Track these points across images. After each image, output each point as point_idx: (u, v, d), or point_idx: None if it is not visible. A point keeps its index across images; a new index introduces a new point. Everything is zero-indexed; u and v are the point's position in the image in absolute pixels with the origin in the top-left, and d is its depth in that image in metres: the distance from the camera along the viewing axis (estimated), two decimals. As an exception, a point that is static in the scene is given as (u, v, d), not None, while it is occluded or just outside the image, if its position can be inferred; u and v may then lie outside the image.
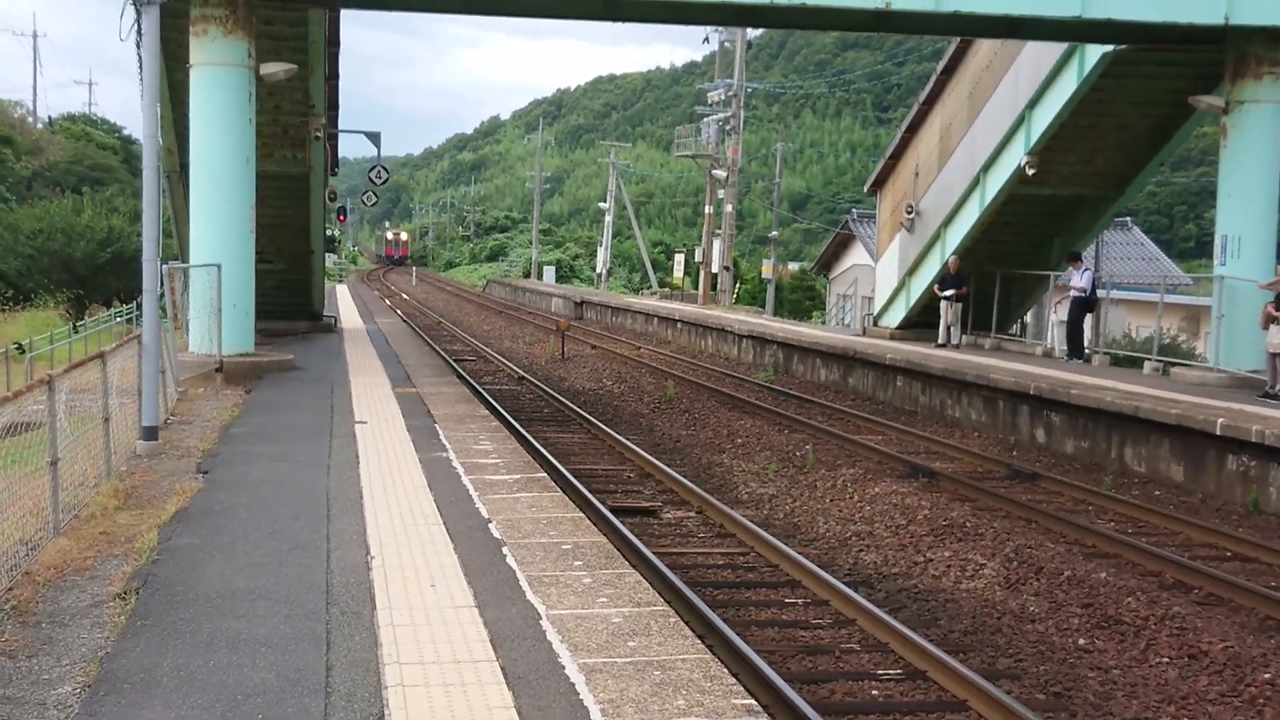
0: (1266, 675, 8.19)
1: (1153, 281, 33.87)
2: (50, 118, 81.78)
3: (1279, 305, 17.16)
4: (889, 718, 7.44)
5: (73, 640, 6.21)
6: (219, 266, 17.46)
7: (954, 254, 24.72)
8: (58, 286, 41.69)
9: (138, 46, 15.46)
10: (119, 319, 30.65)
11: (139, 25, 13.14)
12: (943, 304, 25.04)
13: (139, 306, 13.78)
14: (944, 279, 25.15)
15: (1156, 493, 14.83)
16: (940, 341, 24.86)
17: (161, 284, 13.05)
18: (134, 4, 12.56)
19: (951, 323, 25.01)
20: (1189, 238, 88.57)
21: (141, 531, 8.35)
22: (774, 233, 56.98)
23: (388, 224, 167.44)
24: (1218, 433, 14.32)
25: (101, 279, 41.58)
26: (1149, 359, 21.37)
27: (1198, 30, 19.17)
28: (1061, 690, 8.06)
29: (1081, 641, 9.08)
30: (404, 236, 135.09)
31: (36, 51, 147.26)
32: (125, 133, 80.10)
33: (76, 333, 29.65)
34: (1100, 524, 12.77)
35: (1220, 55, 19.89)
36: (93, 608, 6.77)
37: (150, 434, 11.84)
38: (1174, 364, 21.06)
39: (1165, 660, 8.64)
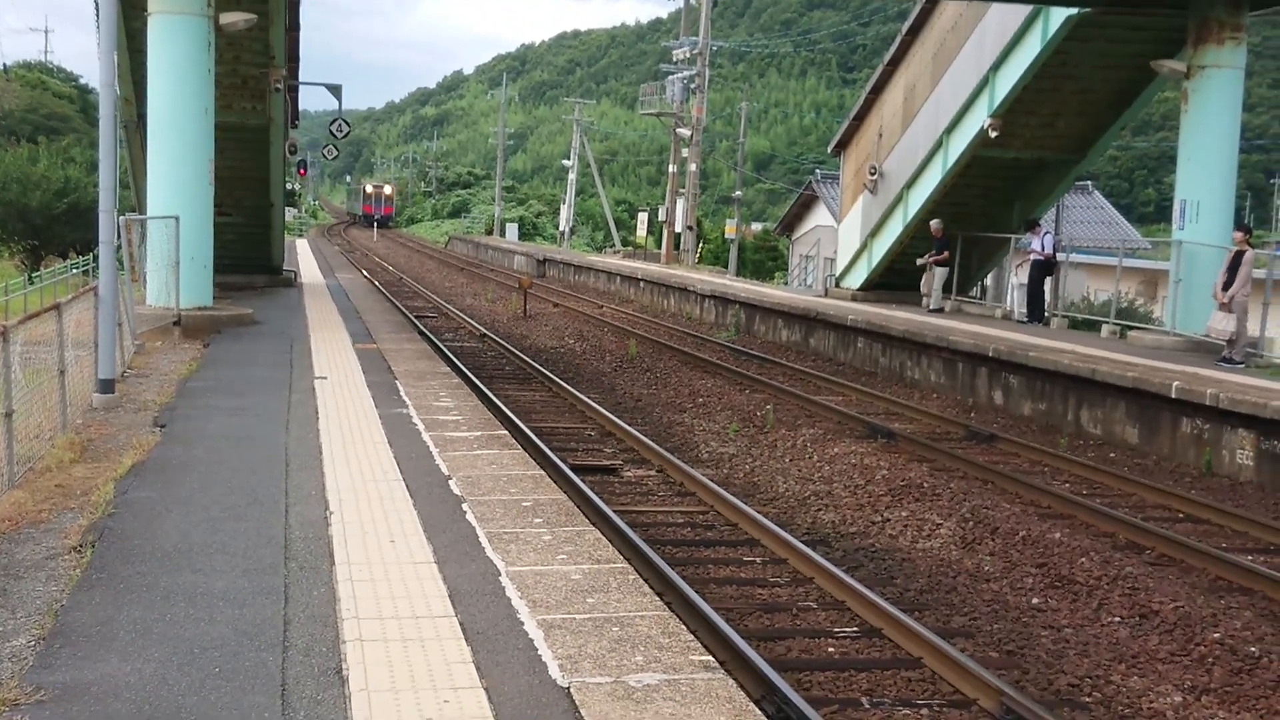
0: (1216, 635, 8.32)
1: (1112, 245, 34.13)
2: (5, 65, 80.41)
3: (1225, 287, 17.29)
4: (845, 674, 7.52)
5: (27, 593, 6.17)
6: (177, 219, 17.26)
7: (936, 219, 24.58)
8: (12, 237, 41.11)
9: (94, -7, 15.20)
10: (75, 270, 30.26)
11: (95, -29, 12.92)
12: (935, 269, 24.84)
13: (95, 258, 13.61)
14: (932, 244, 24.90)
15: (1111, 455, 14.99)
16: (935, 306, 24.65)
17: (118, 236, 12.89)
18: (90, -50, 12.34)
19: (935, 287, 24.87)
20: (1149, 202, 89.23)
21: (98, 485, 8.29)
22: (737, 193, 56.92)
23: (351, 177, 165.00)
24: (1173, 396, 14.47)
25: (57, 230, 41.01)
26: (1107, 322, 21.56)
27: (1161, -6, 19.23)
28: (1015, 648, 8.16)
29: (1035, 601, 9.19)
30: (387, 190, 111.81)
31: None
32: (82, 81, 79.00)
33: (32, 284, 29.27)
34: (1056, 485, 12.91)
35: (1183, 19, 19.95)
36: (48, 560, 6.71)
37: (107, 387, 11.74)
38: (1131, 327, 21.26)
39: (1117, 619, 8.76)
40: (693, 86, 46.31)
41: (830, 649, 7.98)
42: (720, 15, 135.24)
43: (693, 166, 46.74)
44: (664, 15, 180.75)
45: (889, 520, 11.42)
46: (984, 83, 22.93)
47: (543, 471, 9.40)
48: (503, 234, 77.01)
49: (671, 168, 49.11)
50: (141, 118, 20.07)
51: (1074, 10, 20.45)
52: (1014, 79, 22.12)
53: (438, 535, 7.29)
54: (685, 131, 46.64)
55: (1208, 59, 19.60)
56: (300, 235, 71.99)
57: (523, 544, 7.15)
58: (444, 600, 6.11)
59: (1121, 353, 17.93)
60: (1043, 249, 23.26)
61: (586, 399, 16.93)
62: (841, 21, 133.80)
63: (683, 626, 5.95)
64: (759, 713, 5.03)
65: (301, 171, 43.47)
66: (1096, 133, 23.81)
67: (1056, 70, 22.00)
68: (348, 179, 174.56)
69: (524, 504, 8.12)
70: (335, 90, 28.38)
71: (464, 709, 4.83)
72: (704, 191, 76.67)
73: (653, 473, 12.96)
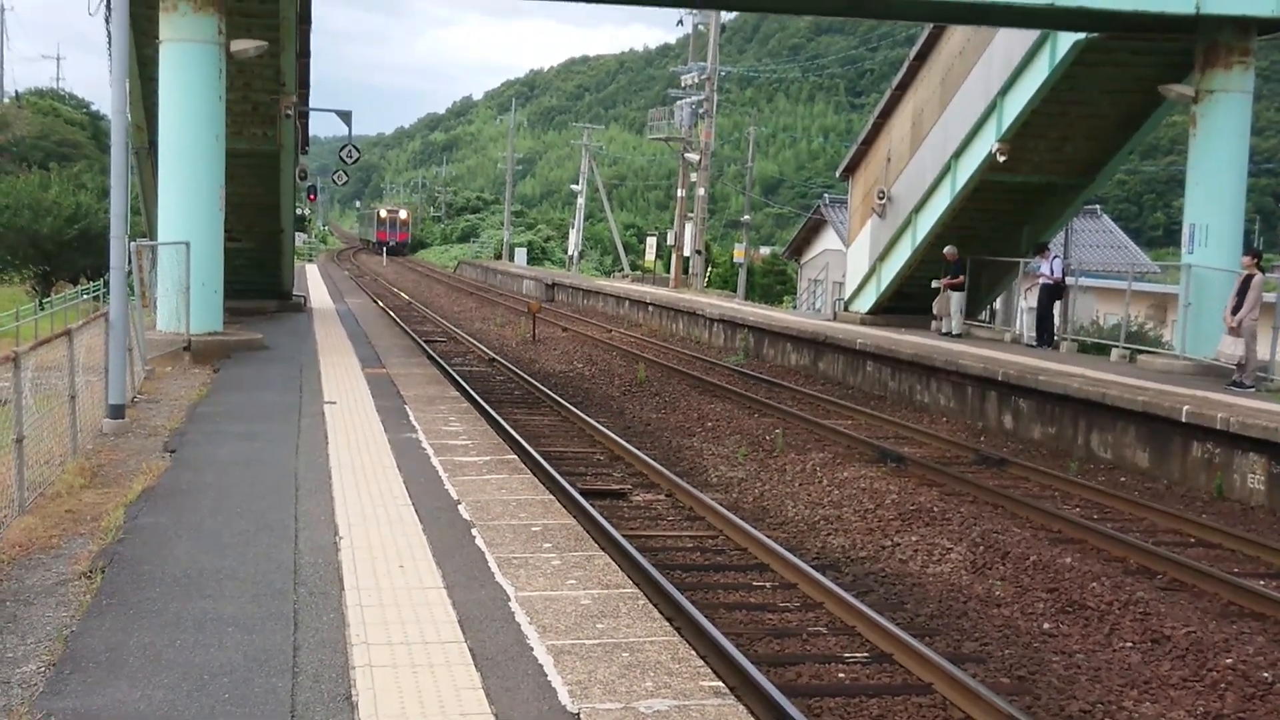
0: (1228, 660, 8.28)
1: (1121, 269, 34.09)
2: (17, 92, 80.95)
3: (1235, 311, 17.27)
4: (855, 700, 7.49)
5: (37, 619, 6.17)
6: (188, 244, 17.32)
7: (950, 246, 24.56)
8: (24, 263, 41.26)
9: (107, 21, 15.31)
10: (86, 296, 30.40)
11: (108, 0, 13.00)
12: (950, 294, 24.78)
13: (106, 284, 13.67)
14: (946, 269, 24.90)
15: (1122, 479, 14.95)
16: (957, 332, 24.58)
17: (129, 261, 12.94)
18: (103, -22, 12.44)
19: (951, 312, 24.82)
20: (1157, 226, 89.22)
21: (108, 510, 8.30)
22: (746, 217, 56.98)
23: (361, 202, 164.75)
24: (1183, 420, 14.44)
25: (68, 256, 41.17)
26: (1116, 346, 21.52)
27: (1169, 19, 19.26)
28: (1026, 674, 8.12)
29: (1046, 626, 9.15)
30: (403, 215, 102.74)
31: (3, 25, 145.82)
32: (93, 108, 79.41)
33: (43, 310, 29.39)
34: (1066, 509, 12.87)
35: (1191, 44, 19.99)
36: (58, 586, 6.72)
37: (117, 412, 11.76)
38: (1141, 351, 21.21)
39: (1129, 645, 8.72)
40: (701, 111, 46.44)
41: (841, 674, 7.95)
42: (728, 41, 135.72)
43: (701, 191, 46.81)
44: (672, 41, 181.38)
45: (899, 545, 11.39)
46: (992, 107, 22.98)
47: (552, 496, 9.39)
48: (511, 258, 77.16)
49: (680, 192, 49.19)
50: (153, 144, 20.17)
51: (1081, 35, 20.50)
52: (1022, 103, 22.16)
53: (447, 560, 7.28)
54: (693, 156, 46.74)
55: (1216, 83, 19.63)
56: (310, 260, 72.25)
57: (532, 569, 7.15)
58: (453, 626, 6.11)
59: (1131, 377, 17.89)
60: (1052, 273, 23.24)
61: (595, 423, 16.92)
62: (849, 47, 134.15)
63: (692, 652, 5.94)
64: (769, 739, 5.02)
65: (311, 197, 43.64)
66: (1105, 157, 23.82)
67: (1064, 95, 22.04)
68: (357, 204, 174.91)
69: (533, 529, 8.12)
70: (345, 116, 28.49)
71: (473, 735, 4.82)
72: (712, 216, 76.79)
73: (662, 497, 12.94)
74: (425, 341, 26.81)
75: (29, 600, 6.47)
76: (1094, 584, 9.91)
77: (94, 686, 5.25)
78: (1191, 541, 11.87)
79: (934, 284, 25.13)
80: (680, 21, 48.75)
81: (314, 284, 42.54)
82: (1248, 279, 17.40)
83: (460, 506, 8.70)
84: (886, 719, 7.25)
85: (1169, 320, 27.67)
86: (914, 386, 20.87)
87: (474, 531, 7.99)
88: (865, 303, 28.08)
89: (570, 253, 71.67)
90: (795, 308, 48.24)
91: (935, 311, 25.24)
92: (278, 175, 23.92)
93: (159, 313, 17.59)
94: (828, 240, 48.69)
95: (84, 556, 7.25)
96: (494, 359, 25.24)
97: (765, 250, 74.57)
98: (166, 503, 8.60)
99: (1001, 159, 22.57)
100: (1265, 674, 8.05)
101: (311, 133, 32.70)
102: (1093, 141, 23.46)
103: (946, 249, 24.44)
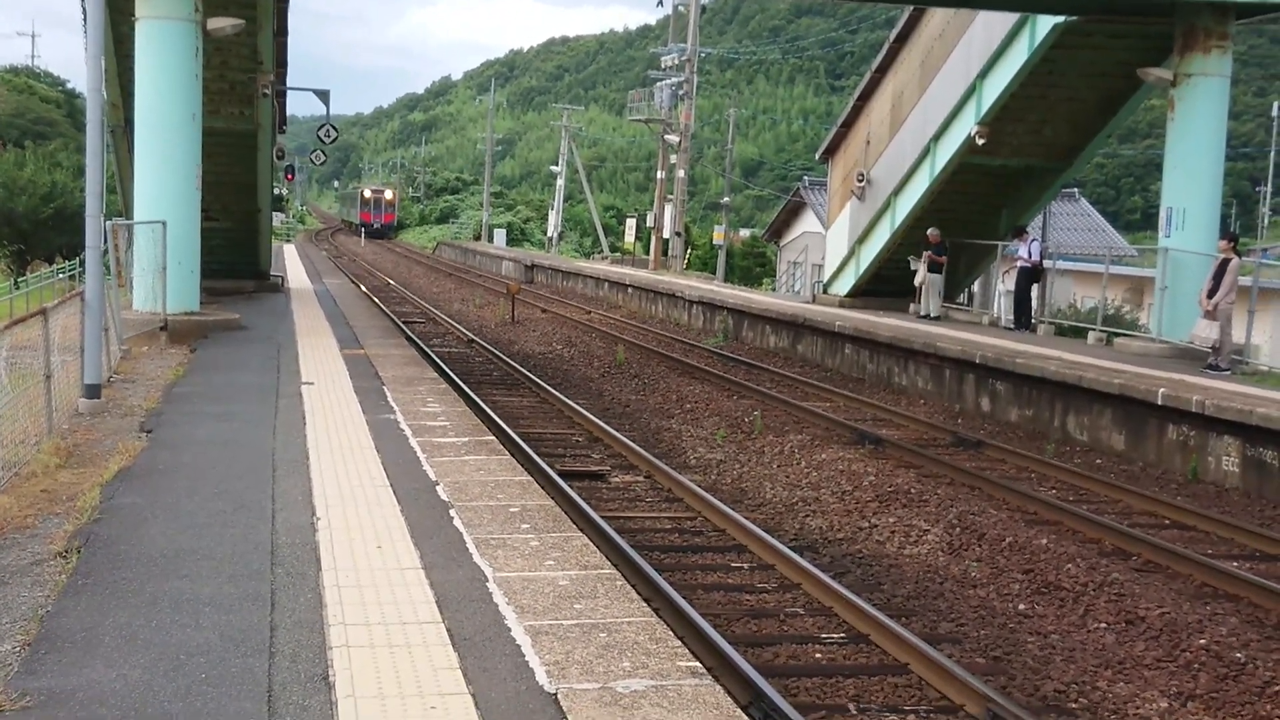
0: (1202, 641, 8.34)
1: (1098, 252, 34.22)
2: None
3: (1211, 295, 17.37)
4: (832, 680, 7.52)
5: (12, 599, 6.14)
6: (164, 223, 17.21)
7: (933, 228, 24.55)
8: (-2, 241, 41.04)
9: (81, -2, 15.17)
10: (62, 275, 30.22)
11: (83, -24, 12.89)
12: (927, 275, 24.76)
13: (82, 263, 13.57)
14: (927, 250, 24.78)
15: (1098, 461, 15.03)
16: (935, 315, 24.56)
17: (105, 240, 12.86)
18: (78, -46, 12.33)
19: (932, 295, 24.77)
20: (1135, 209, 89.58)
21: (83, 490, 8.26)
22: (725, 199, 57.00)
23: (340, 182, 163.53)
24: (1159, 402, 14.52)
25: (44, 235, 40.94)
26: (1093, 329, 21.61)
27: (1148, 3, 19.31)
28: (1001, 654, 8.18)
29: (1022, 607, 9.21)
30: (388, 195, 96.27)
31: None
32: (69, 86, 78.87)
33: (18, 289, 29.21)
34: (1042, 491, 12.94)
35: (1169, 28, 20.03)
36: (33, 566, 6.69)
37: (93, 392, 11.69)
38: (1118, 334, 21.32)
39: (1103, 625, 8.78)
40: (681, 93, 46.35)
41: (817, 655, 7.98)
42: (708, 22, 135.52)
43: (681, 173, 46.77)
44: (652, 22, 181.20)
45: (876, 526, 11.44)
46: (971, 90, 22.99)
47: (530, 477, 9.39)
48: (491, 239, 76.98)
49: (659, 174, 49.13)
50: (129, 122, 20.04)
51: (1060, 18, 20.52)
52: (1001, 86, 22.18)
53: (425, 541, 7.28)
54: (673, 138, 46.67)
55: (1194, 67, 19.69)
56: (288, 240, 71.92)
57: (510, 550, 7.15)
58: (431, 606, 6.10)
59: (1108, 359, 17.98)
60: (1030, 256, 23.31)
61: (574, 405, 16.92)
62: (829, 29, 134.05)
63: (670, 632, 5.95)
64: (746, 719, 5.03)
65: (289, 176, 43.40)
66: (1083, 140, 23.88)
67: (1043, 78, 22.07)
68: (335, 184, 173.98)
69: (511, 510, 8.12)
70: (323, 95, 28.35)
71: (451, 715, 4.83)
72: (692, 198, 76.72)
73: (640, 478, 12.95)
74: (404, 322, 26.74)
75: (4, 580, 6.44)
76: (1069, 565, 9.97)
77: (70, 666, 5.24)
78: (1166, 523, 11.95)
79: (912, 265, 25.09)
80: (660, 2, 48.57)
81: (292, 264, 42.37)
82: (1224, 263, 17.49)
83: (438, 487, 8.69)
84: (863, 699, 7.29)
85: (1146, 304, 27.79)
86: (892, 369, 20.92)
87: (452, 512, 7.98)
88: (844, 285, 28.11)
89: (550, 234, 71.57)
90: (774, 290, 48.28)
91: (917, 282, 24.99)
92: (255, 154, 23.79)
93: (135, 292, 17.49)
94: (807, 223, 48.72)
95: (60, 536, 7.21)
96: (473, 340, 25.20)
97: (745, 232, 74.54)
98: (143, 483, 8.57)
99: (980, 142, 22.59)
100: (1238, 654, 8.11)
101: (289, 112, 32.50)
102: (1071, 125, 23.51)
103: (930, 230, 24.47)
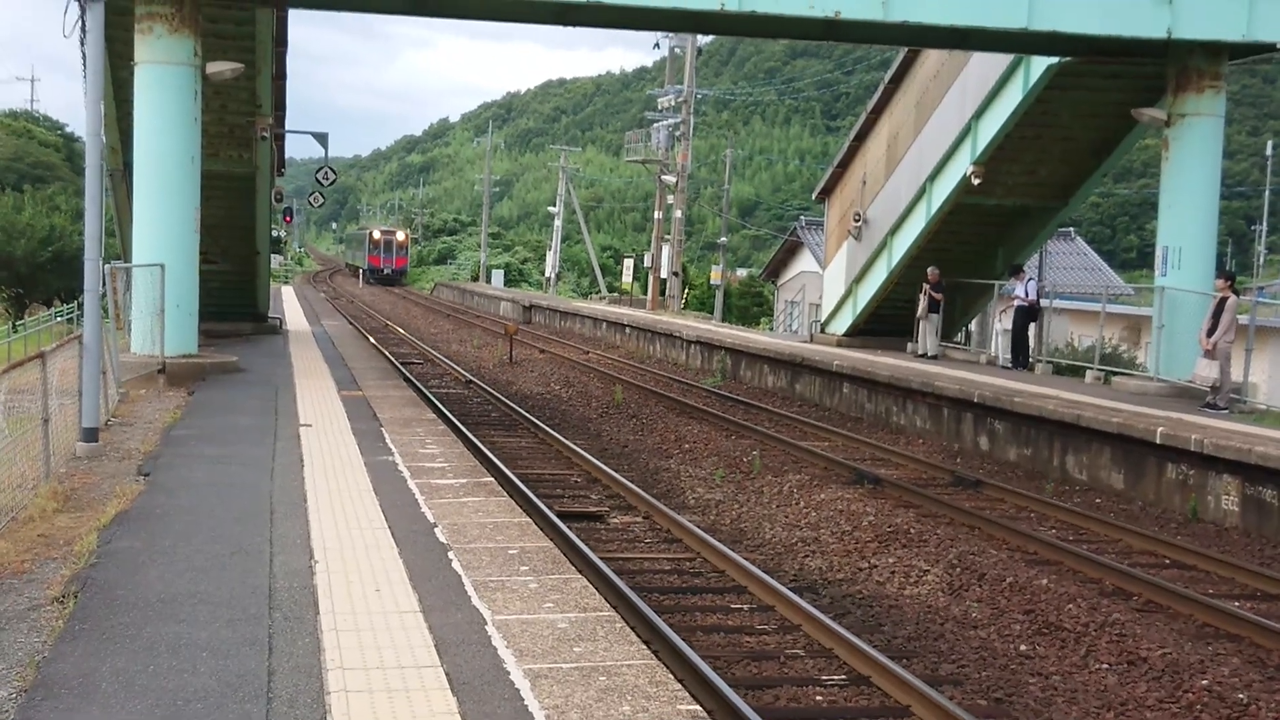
0: (1204, 681, 8.30)
1: (1095, 291, 34.30)
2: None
3: (1210, 334, 17.40)
4: (833, 723, 7.48)
5: (9, 644, 6.11)
6: (162, 266, 17.25)
7: (933, 267, 24.63)
8: (-3, 286, 41.09)
9: (81, 43, 15.25)
10: (60, 319, 30.17)
11: (83, 22, 12.98)
12: (928, 314, 24.79)
13: (80, 306, 13.58)
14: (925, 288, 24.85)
15: (1097, 500, 15.01)
16: (932, 354, 24.58)
17: (104, 283, 12.88)
18: (78, 0, 12.41)
19: (929, 334, 24.82)
20: (1131, 248, 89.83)
21: (81, 534, 8.23)
22: (723, 239, 57.13)
23: (338, 224, 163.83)
24: (1158, 441, 14.51)
25: (42, 278, 40.99)
26: (1091, 368, 21.62)
27: (1141, 43, 19.43)
28: (1003, 696, 8.13)
29: (1023, 647, 9.17)
30: (400, 236, 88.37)
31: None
32: (68, 130, 79.07)
33: (16, 332, 29.18)
34: (1042, 531, 12.91)
35: (1163, 68, 20.17)
36: (30, 611, 6.66)
37: (90, 435, 11.67)
38: (1115, 373, 21.32)
39: (1105, 666, 8.74)
40: (678, 134, 46.60)
41: (818, 697, 7.94)
42: (705, 64, 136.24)
43: (678, 213, 46.94)
44: (649, 64, 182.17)
45: (876, 566, 11.40)
46: (966, 130, 23.10)
47: (529, 519, 9.37)
48: (488, 280, 77.11)
49: (657, 214, 49.32)
50: (128, 166, 20.09)
51: (1054, 59, 20.66)
52: (996, 127, 22.29)
53: (423, 584, 7.25)
54: (670, 178, 46.89)
55: (1188, 107, 19.80)
56: (286, 282, 71.97)
57: (509, 592, 7.12)
58: (429, 650, 6.07)
59: (1106, 398, 17.98)
60: (1026, 295, 23.37)
61: (573, 445, 16.90)
62: (824, 70, 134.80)
63: (670, 675, 5.92)
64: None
65: (287, 219, 43.54)
66: (1079, 180, 23.98)
67: (1038, 118, 22.19)
68: (333, 225, 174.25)
69: (510, 551, 8.09)
70: (321, 138, 28.48)
71: (450, 760, 4.79)
72: (689, 238, 76.97)
73: (639, 519, 12.92)
74: (402, 364, 26.74)
75: (0, 626, 6.40)
76: (1070, 605, 9.94)
77: (66, 713, 5.20)
78: (1167, 563, 11.91)
79: (923, 299, 24.90)
80: (657, 44, 48.90)
81: (290, 306, 42.40)
82: (1222, 301, 17.52)
83: (437, 529, 8.66)
84: (864, 742, 7.24)
85: (1143, 342, 27.85)
86: (890, 408, 20.91)
87: (451, 554, 7.96)
88: (842, 324, 28.15)
89: (547, 274, 71.72)
90: (772, 329, 48.35)
91: (919, 314, 25.00)
92: (253, 197, 23.86)
93: (133, 335, 17.48)
94: (804, 262, 48.86)
95: (57, 581, 7.18)
96: (471, 381, 25.19)
97: (742, 272, 74.76)
98: (140, 526, 8.54)
99: (976, 182, 22.67)
100: (1240, 695, 8.07)
101: (287, 154, 32.60)
102: (1066, 165, 23.61)
103: (930, 269, 24.55)
